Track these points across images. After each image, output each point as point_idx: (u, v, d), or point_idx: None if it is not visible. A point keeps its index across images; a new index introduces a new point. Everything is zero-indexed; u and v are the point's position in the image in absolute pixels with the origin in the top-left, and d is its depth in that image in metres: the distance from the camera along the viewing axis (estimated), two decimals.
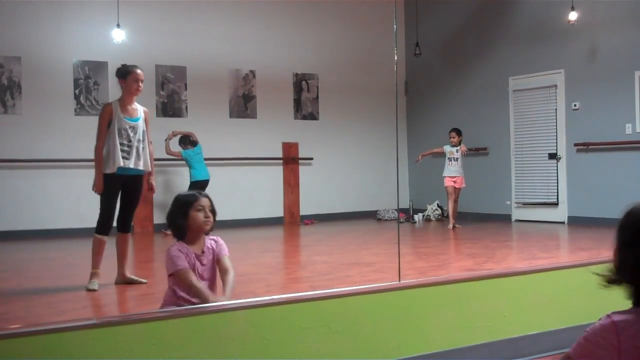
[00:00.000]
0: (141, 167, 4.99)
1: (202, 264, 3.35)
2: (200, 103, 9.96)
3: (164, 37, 9.70)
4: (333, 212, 10.91)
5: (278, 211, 10.58)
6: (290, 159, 10.72)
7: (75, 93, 9.10)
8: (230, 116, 10.28)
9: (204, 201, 3.34)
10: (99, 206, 4.99)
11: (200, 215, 3.31)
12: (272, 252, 7.52)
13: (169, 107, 9.82)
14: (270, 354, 3.03)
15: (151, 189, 5.21)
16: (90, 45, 9.15)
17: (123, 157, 4.87)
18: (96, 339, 2.70)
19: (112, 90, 9.32)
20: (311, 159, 10.89)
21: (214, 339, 2.92)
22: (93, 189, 4.96)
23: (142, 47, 9.42)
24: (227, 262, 3.45)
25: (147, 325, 2.84)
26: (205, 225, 3.33)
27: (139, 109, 5.07)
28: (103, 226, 4.93)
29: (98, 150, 4.90)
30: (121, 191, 5.00)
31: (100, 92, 9.17)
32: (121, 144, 4.87)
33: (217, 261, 3.44)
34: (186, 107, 9.92)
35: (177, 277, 3.25)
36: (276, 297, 3.34)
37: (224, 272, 3.43)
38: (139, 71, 5.05)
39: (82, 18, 9.17)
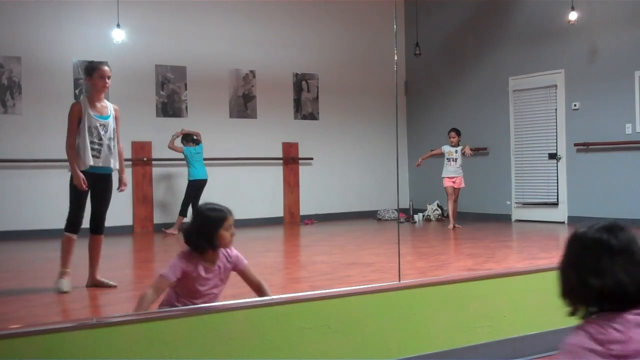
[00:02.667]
0: (111, 166, 4.92)
1: (208, 278, 3.29)
2: (200, 103, 9.96)
3: (164, 37, 9.69)
4: (333, 212, 10.90)
5: (278, 211, 10.58)
6: (290, 159, 10.71)
7: (75, 93, 9.09)
8: (230, 116, 10.27)
9: (231, 219, 3.30)
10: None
11: (228, 235, 3.27)
12: (272, 252, 7.52)
13: (169, 107, 9.82)
14: (270, 354, 3.03)
15: (123, 184, 5.09)
16: (90, 45, 9.15)
17: (93, 156, 4.80)
18: (96, 339, 2.70)
19: (112, 90, 9.32)
20: (311, 159, 10.89)
21: (214, 339, 2.93)
22: (72, 187, 4.85)
23: (142, 47, 9.42)
24: (254, 274, 3.42)
25: (147, 325, 2.84)
26: (230, 244, 3.31)
27: (109, 107, 4.99)
28: (73, 224, 4.87)
29: (70, 147, 4.81)
30: (91, 191, 4.92)
31: None
32: (91, 142, 4.80)
33: (241, 274, 3.40)
34: (186, 107, 9.92)
35: (157, 279, 3.23)
36: (276, 297, 3.34)
37: (257, 288, 3.40)
38: (105, 68, 4.96)
39: (82, 18, 9.17)
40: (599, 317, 1.71)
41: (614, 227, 1.77)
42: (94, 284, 4.91)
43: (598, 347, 1.65)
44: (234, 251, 3.41)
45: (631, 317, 1.67)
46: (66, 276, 4.80)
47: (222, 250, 3.33)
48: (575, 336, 1.70)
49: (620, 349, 1.63)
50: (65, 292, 4.66)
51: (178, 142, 9.13)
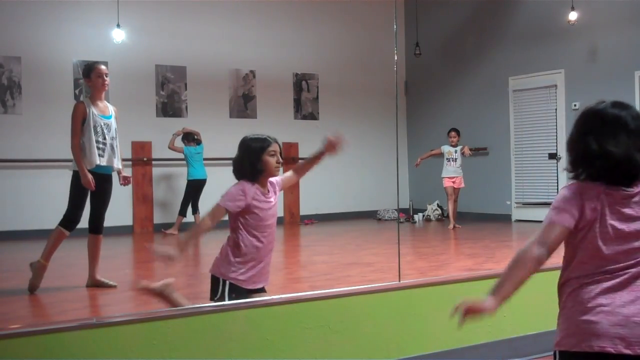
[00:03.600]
0: (114, 165, 4.95)
1: (267, 201, 3.34)
2: (200, 103, 9.95)
3: (164, 37, 9.69)
4: (333, 212, 10.90)
5: (278, 211, 10.54)
6: (290, 159, 10.70)
7: (75, 93, 9.10)
8: (230, 116, 10.27)
9: (276, 146, 3.34)
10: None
11: (273, 161, 3.31)
12: (272, 252, 7.52)
13: (169, 107, 9.82)
14: (270, 354, 3.04)
15: (126, 180, 5.09)
16: (90, 45, 9.15)
17: (98, 155, 4.82)
18: (96, 339, 2.70)
19: (113, 90, 9.33)
20: None
21: (214, 339, 2.93)
22: (75, 185, 4.83)
23: (142, 47, 9.42)
24: (288, 175, 3.61)
25: (147, 325, 2.84)
26: (277, 170, 3.35)
27: (109, 107, 5.04)
28: (70, 222, 4.84)
29: (76, 147, 4.78)
30: (91, 191, 4.89)
31: None
32: (97, 142, 4.82)
33: (284, 186, 3.55)
34: (186, 107, 9.92)
35: (214, 208, 3.22)
36: (276, 297, 3.34)
37: (299, 171, 3.64)
38: (101, 66, 4.98)
39: (82, 18, 9.17)
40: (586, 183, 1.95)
41: (627, 105, 1.96)
42: (94, 284, 4.90)
43: (577, 200, 1.94)
44: (276, 179, 3.45)
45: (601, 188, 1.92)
46: (43, 271, 4.75)
47: (269, 182, 3.37)
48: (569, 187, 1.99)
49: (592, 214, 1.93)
50: (34, 289, 4.65)
51: (178, 142, 9.12)
